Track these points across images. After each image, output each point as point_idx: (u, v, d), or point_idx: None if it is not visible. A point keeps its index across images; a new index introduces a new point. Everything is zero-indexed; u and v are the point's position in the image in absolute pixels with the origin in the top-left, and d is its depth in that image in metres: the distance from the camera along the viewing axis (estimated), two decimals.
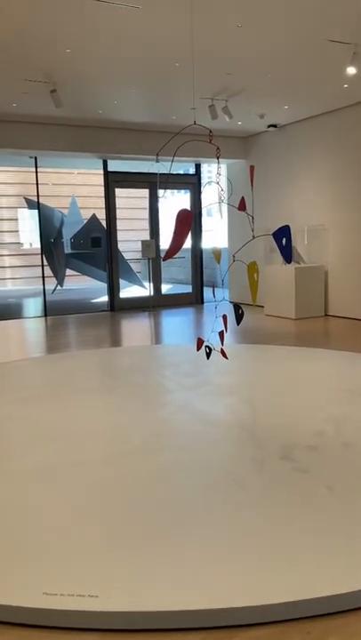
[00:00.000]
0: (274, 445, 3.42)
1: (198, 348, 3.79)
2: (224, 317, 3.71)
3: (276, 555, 2.25)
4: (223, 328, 3.68)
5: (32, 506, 2.75)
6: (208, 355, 3.82)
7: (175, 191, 13.75)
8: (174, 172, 11.91)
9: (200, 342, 3.79)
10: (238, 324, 3.73)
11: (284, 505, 2.69)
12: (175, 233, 3.41)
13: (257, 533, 2.42)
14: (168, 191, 12.20)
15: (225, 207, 11.12)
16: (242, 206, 3.57)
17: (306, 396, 4.56)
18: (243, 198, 3.57)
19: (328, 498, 2.74)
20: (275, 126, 9.64)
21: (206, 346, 3.78)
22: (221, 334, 3.72)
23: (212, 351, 3.80)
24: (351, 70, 6.04)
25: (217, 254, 4.07)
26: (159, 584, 2.06)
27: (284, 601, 1.95)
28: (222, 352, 3.72)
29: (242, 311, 3.67)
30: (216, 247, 3.93)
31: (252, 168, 3.77)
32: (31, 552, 2.31)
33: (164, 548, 2.31)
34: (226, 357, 3.75)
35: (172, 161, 4.03)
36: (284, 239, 3.56)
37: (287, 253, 3.60)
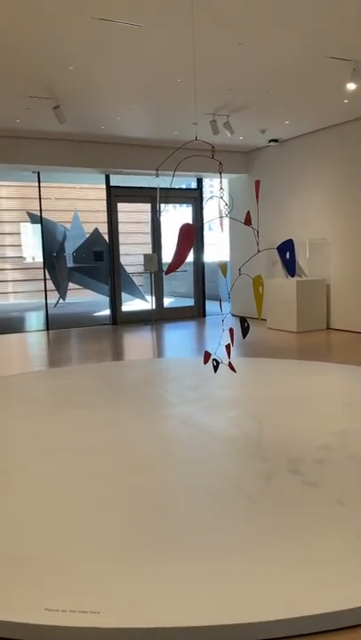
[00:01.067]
0: (280, 459, 3.40)
1: (205, 362, 3.78)
2: (231, 331, 3.72)
3: (284, 568, 2.22)
4: (230, 341, 3.69)
5: (34, 520, 2.73)
6: (215, 368, 3.81)
7: (177, 205, 13.83)
8: (176, 187, 11.99)
9: (207, 356, 3.78)
10: (244, 338, 3.74)
11: (295, 518, 2.66)
12: (178, 247, 3.42)
13: (265, 547, 2.39)
14: (170, 205, 12.27)
15: (227, 221, 11.14)
16: (248, 221, 3.60)
17: (309, 409, 4.54)
18: (248, 213, 3.60)
19: (340, 511, 2.72)
20: (276, 141, 9.72)
21: (214, 359, 3.77)
22: (228, 348, 3.72)
23: (220, 364, 3.79)
24: (351, 86, 6.11)
25: (223, 268, 4.06)
26: (162, 600, 2.04)
27: (288, 617, 1.93)
28: (230, 365, 3.71)
29: (248, 324, 3.68)
30: (222, 261, 3.95)
31: (257, 183, 3.78)
32: (33, 567, 2.29)
33: (168, 563, 2.28)
34: (234, 371, 3.74)
35: (173, 176, 4.06)
36: (288, 253, 3.58)
37: (291, 267, 3.62)
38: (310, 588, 2.09)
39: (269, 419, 4.27)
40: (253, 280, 3.64)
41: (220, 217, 3.85)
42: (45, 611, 1.96)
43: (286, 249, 3.58)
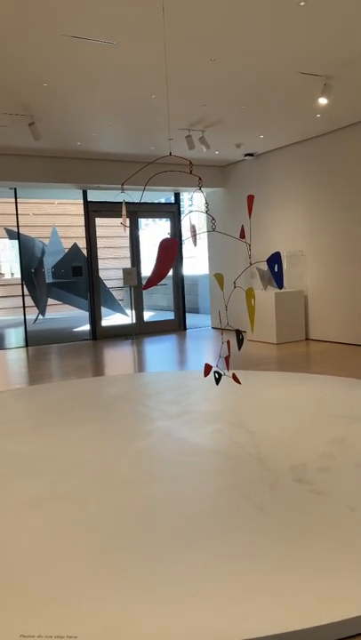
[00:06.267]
0: (283, 469, 3.39)
1: (206, 374, 3.76)
2: (228, 343, 3.74)
3: (300, 577, 2.20)
4: (221, 354, 3.70)
5: (10, 541, 2.67)
6: (217, 380, 3.80)
7: (156, 219, 13.90)
8: (155, 202, 12.06)
9: (208, 368, 3.75)
10: (240, 349, 3.76)
11: (307, 526, 2.66)
12: (158, 262, 3.37)
13: (281, 556, 2.36)
14: (150, 219, 12.31)
15: (204, 235, 11.27)
16: (242, 235, 3.65)
17: (298, 419, 4.54)
18: (243, 227, 3.65)
19: (352, 518, 2.72)
20: (251, 155, 9.83)
21: (215, 371, 3.76)
22: (227, 360, 3.73)
23: (222, 377, 3.78)
24: (323, 101, 6.22)
25: (220, 280, 4.01)
26: (143, 623, 2.00)
27: (308, 626, 1.92)
28: (234, 377, 3.70)
29: (242, 337, 3.71)
30: (218, 273, 3.94)
31: (250, 198, 3.78)
32: (6, 591, 2.23)
33: (151, 583, 2.24)
34: (238, 382, 3.72)
35: (144, 190, 4.09)
36: (276, 265, 3.63)
37: (279, 279, 3.66)
38: (329, 595, 2.10)
39: (261, 430, 4.25)
40: (246, 292, 3.66)
41: (193, 233, 3.87)
42: (20, 637, 1.91)
43: (275, 261, 3.63)
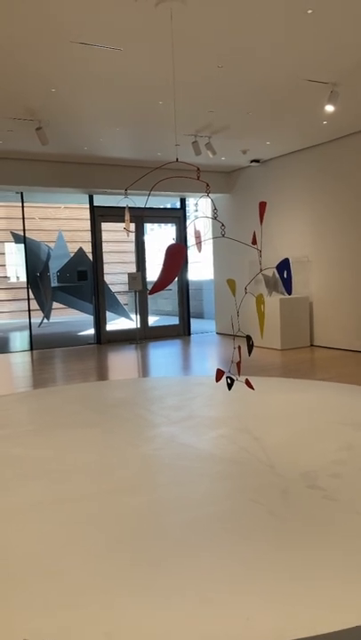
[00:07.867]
0: (293, 474, 3.37)
1: (218, 380, 3.75)
2: (239, 348, 3.74)
3: (315, 584, 2.19)
4: (233, 359, 3.70)
5: (12, 545, 2.67)
6: (230, 386, 3.79)
7: (162, 225, 13.93)
8: (161, 207, 12.08)
9: (220, 373, 3.74)
10: (250, 355, 3.76)
11: (322, 533, 2.64)
12: (164, 268, 3.35)
13: (294, 563, 2.36)
14: (155, 224, 12.32)
15: (208, 241, 11.29)
16: (254, 241, 3.66)
17: (304, 426, 4.51)
18: (255, 233, 3.66)
19: None
20: (258, 161, 9.85)
21: (228, 377, 3.75)
22: (238, 365, 3.72)
23: (234, 382, 3.78)
24: (329, 108, 6.23)
25: (232, 286, 3.99)
26: (145, 627, 2.00)
27: (319, 633, 1.90)
28: (247, 382, 3.70)
29: (252, 342, 3.71)
30: (231, 279, 3.94)
31: (262, 204, 3.77)
32: (10, 595, 2.23)
33: (154, 588, 2.23)
34: (252, 388, 3.71)
35: (149, 195, 4.10)
36: (285, 271, 3.64)
37: (288, 285, 3.67)
38: (337, 601, 2.09)
39: (266, 436, 4.22)
40: (256, 298, 3.66)
41: (198, 239, 3.88)
42: None
43: (284, 268, 3.63)
